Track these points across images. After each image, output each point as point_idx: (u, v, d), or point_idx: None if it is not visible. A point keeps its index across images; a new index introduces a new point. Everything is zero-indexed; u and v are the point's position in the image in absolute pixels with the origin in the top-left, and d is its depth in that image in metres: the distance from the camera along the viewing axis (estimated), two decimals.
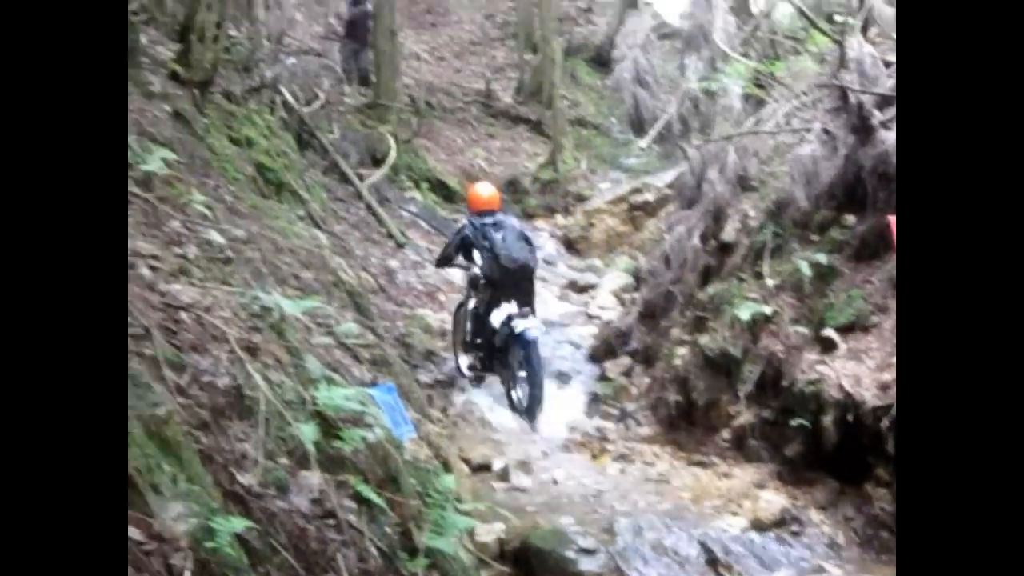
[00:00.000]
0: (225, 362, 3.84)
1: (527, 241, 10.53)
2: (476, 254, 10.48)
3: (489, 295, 10.37)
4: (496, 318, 10.28)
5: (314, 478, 3.66)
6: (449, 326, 12.29)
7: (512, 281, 10.22)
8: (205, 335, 3.97)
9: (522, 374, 10.10)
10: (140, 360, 3.42)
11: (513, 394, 10.32)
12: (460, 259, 10.78)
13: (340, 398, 4.02)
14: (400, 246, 15.17)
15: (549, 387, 10.20)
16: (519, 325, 9.97)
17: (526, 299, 10.30)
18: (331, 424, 4.01)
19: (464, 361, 11.12)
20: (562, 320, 13.49)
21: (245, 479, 3.44)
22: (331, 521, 3.64)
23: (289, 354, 4.30)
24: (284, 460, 3.70)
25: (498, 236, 10.22)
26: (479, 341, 10.66)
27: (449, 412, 10.67)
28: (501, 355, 10.39)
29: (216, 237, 6.69)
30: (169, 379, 3.54)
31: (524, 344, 9.96)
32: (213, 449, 3.46)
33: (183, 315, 4.03)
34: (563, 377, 11.51)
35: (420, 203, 17.70)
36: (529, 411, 9.96)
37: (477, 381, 11.01)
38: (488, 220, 10.43)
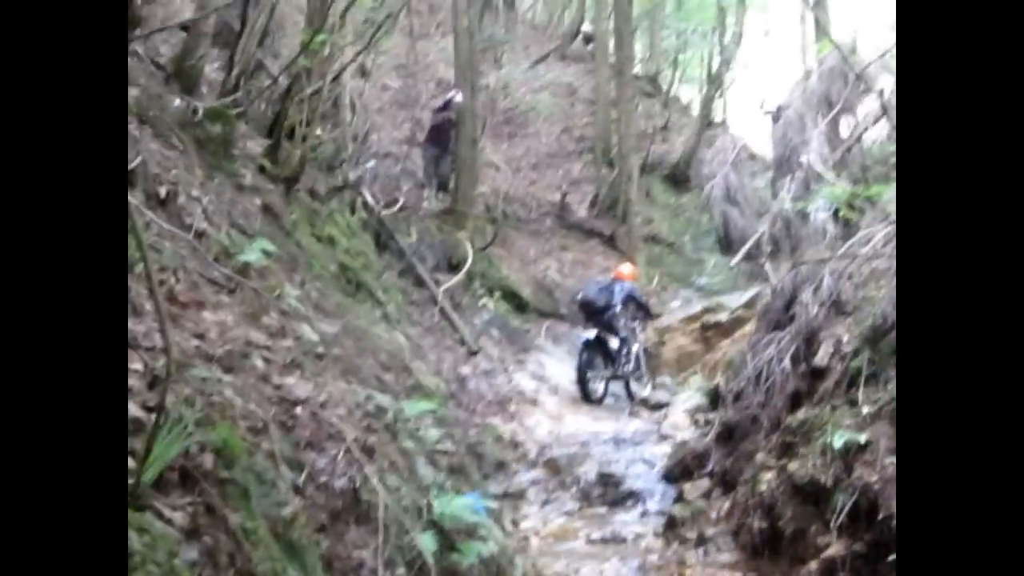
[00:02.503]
0: (342, 462, 3.65)
1: (606, 291, 15.76)
2: None
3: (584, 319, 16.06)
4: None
5: None
6: (520, 436, 12.48)
7: (584, 312, 15.95)
8: (321, 432, 3.79)
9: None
10: (262, 455, 3.24)
11: None
12: None
13: (458, 508, 3.81)
14: (473, 353, 15.03)
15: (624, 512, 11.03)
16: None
17: (597, 324, 15.52)
18: (447, 535, 3.80)
19: None
20: (634, 437, 13.23)
21: None
22: None
23: (403, 457, 4.11)
24: (402, 571, 3.48)
25: (591, 287, 16.19)
26: None
27: (521, 525, 10.45)
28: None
29: (309, 332, 6.57)
30: (287, 477, 3.35)
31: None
32: (332, 555, 3.25)
33: (298, 410, 3.85)
34: (636, 496, 11.22)
35: (492, 311, 17.60)
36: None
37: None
38: (605, 281, 16.43)
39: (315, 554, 3.08)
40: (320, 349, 6.47)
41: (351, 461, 3.67)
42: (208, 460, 2.81)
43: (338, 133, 15.73)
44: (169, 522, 2.46)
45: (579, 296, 16.37)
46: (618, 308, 15.63)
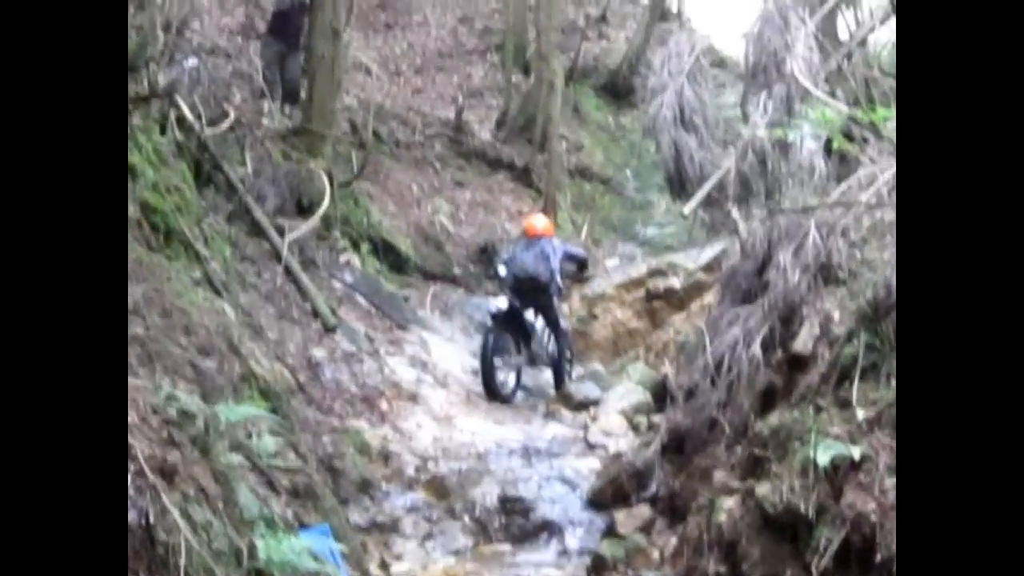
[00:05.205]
0: (131, 489, 3.66)
1: (542, 258, 15.52)
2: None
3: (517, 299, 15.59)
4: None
5: None
6: (393, 446, 12.52)
7: (522, 288, 15.55)
8: None
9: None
10: None
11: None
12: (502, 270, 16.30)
13: (292, 550, 3.85)
14: (330, 330, 15.00)
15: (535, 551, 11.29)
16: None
17: (535, 304, 15.64)
18: None
19: None
20: (551, 448, 13.34)
21: None
22: None
23: (217, 481, 4.13)
24: None
25: (519, 253, 15.90)
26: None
27: (392, 566, 10.52)
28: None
29: None
30: None
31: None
32: None
33: None
34: (551, 528, 11.35)
35: (359, 271, 17.58)
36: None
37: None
38: (523, 242, 16.28)
39: None
40: None
41: (143, 488, 3.69)
42: None
43: (144, 20, 15.54)
44: None
45: (504, 270, 16.03)
46: (559, 278, 15.69)
